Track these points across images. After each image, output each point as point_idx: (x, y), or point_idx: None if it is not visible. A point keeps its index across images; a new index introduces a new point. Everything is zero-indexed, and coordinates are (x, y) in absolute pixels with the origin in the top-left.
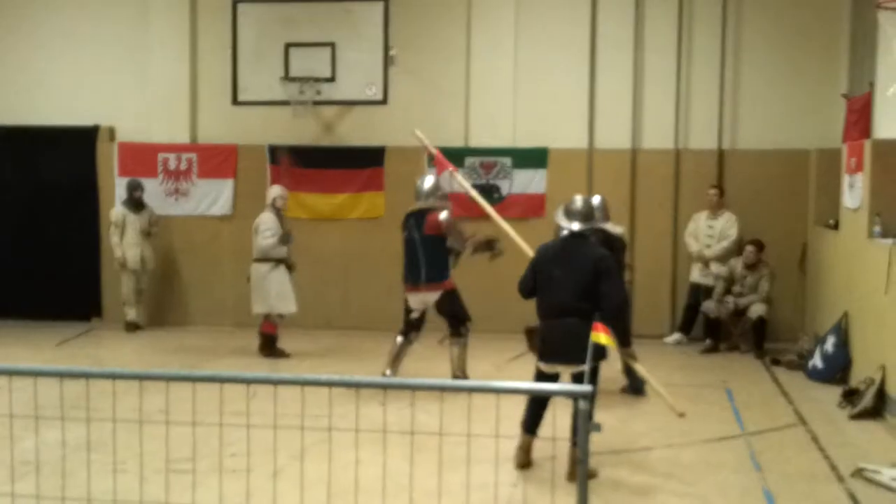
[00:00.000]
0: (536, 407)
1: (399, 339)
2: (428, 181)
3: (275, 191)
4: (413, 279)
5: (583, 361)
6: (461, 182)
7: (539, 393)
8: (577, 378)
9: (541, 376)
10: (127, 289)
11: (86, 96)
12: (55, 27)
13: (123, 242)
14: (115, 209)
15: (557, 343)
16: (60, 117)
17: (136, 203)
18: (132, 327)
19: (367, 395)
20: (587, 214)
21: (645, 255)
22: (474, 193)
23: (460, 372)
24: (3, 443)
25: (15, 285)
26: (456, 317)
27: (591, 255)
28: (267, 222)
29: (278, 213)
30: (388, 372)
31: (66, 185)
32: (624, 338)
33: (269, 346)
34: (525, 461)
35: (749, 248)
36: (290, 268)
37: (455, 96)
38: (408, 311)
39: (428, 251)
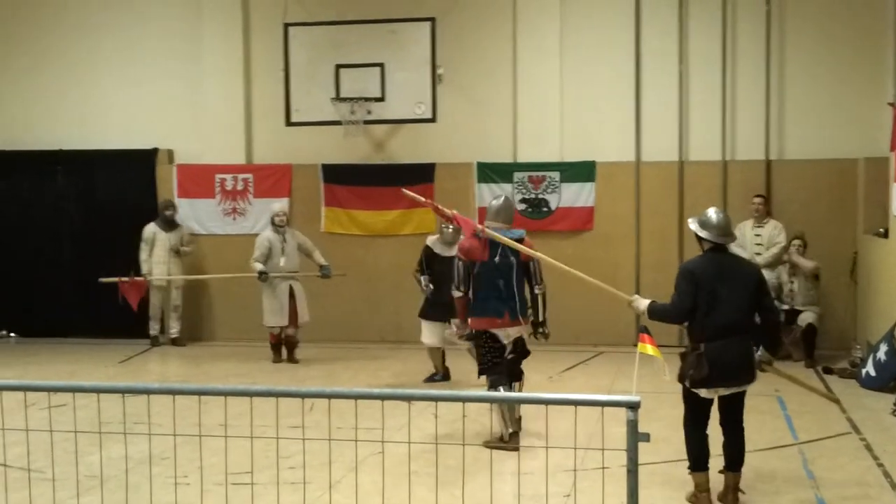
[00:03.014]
0: (702, 439)
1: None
2: (508, 198)
3: (273, 208)
4: (510, 310)
5: (751, 381)
6: (497, 237)
7: (587, 404)
8: (739, 398)
9: (696, 404)
10: (153, 305)
11: (145, 120)
12: (114, 54)
13: (151, 259)
14: (147, 227)
15: (733, 365)
16: (120, 141)
17: (167, 221)
18: (156, 341)
19: (420, 407)
20: (727, 227)
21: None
22: (514, 244)
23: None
24: (68, 458)
25: (78, 305)
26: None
27: (751, 270)
28: (257, 241)
29: (277, 229)
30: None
31: (127, 207)
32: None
33: (277, 354)
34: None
35: (797, 242)
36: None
37: (502, 112)
38: (491, 350)
39: (520, 279)
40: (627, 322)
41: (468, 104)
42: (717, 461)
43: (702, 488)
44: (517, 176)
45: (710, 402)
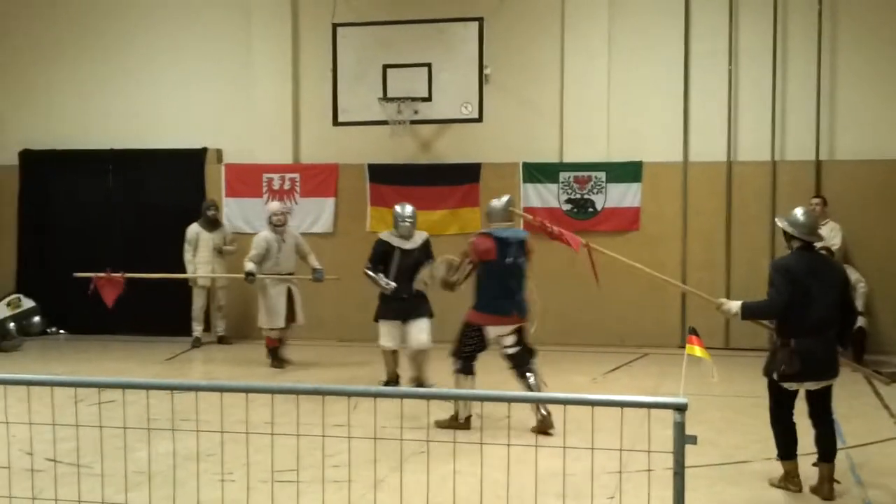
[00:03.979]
0: (790, 428)
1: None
2: (508, 198)
3: (270, 208)
4: (518, 310)
5: (837, 375)
6: (610, 254)
7: (634, 406)
8: (826, 393)
9: (783, 396)
10: (196, 305)
11: (194, 119)
12: (165, 55)
13: (196, 260)
14: (190, 227)
15: (823, 360)
16: (170, 140)
17: (210, 221)
18: (198, 342)
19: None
20: (815, 226)
21: (741, 269)
22: (617, 256)
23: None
24: (117, 454)
25: (126, 303)
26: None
27: (839, 269)
28: (254, 241)
29: (275, 230)
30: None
31: (176, 206)
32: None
33: (274, 357)
34: (801, 486)
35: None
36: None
37: (549, 112)
38: (475, 341)
39: (524, 278)
40: (672, 324)
41: (515, 104)
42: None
43: (793, 475)
44: (563, 176)
45: (796, 393)
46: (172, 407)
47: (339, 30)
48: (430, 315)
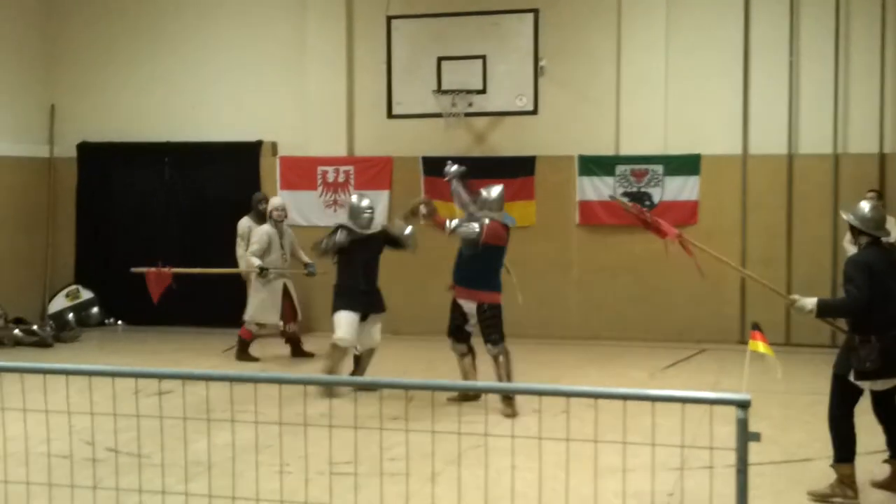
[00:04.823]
0: (852, 429)
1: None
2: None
3: (272, 203)
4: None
5: None
6: (710, 252)
7: (695, 402)
8: (894, 391)
9: (851, 395)
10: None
11: (249, 112)
12: (219, 48)
13: (248, 253)
14: (241, 221)
15: None
16: (225, 133)
17: (260, 215)
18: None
19: (521, 401)
20: (883, 221)
21: (803, 263)
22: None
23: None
24: (177, 444)
25: (183, 294)
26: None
27: None
28: (256, 234)
29: (276, 224)
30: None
31: (231, 199)
32: None
33: (243, 351)
34: (858, 493)
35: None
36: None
37: (605, 104)
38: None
39: None
40: (731, 318)
41: (570, 96)
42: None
43: (851, 479)
44: (619, 169)
45: (861, 393)
46: (231, 398)
47: (394, 22)
48: (384, 310)
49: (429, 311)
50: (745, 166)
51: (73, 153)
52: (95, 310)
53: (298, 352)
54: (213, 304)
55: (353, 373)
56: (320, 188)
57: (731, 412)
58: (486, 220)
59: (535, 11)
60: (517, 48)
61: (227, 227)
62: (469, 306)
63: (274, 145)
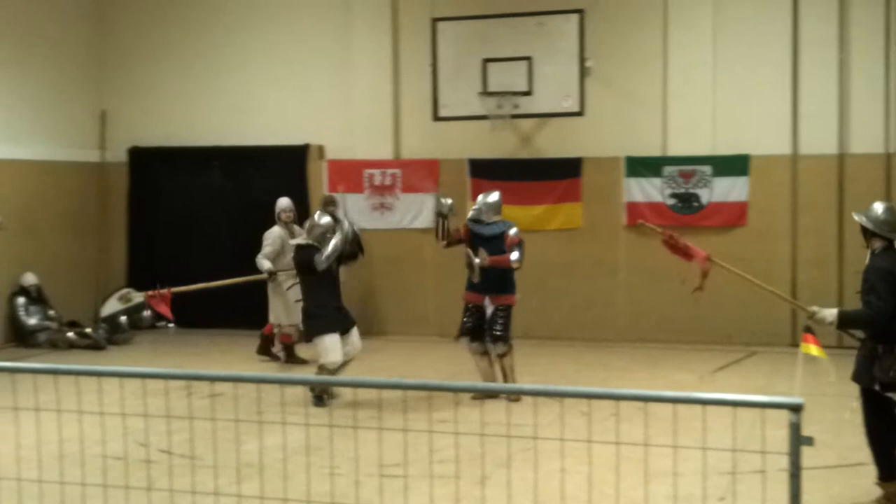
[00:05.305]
0: (893, 443)
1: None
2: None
3: (280, 204)
4: None
5: None
6: (724, 266)
7: (747, 405)
8: None
9: (880, 407)
10: None
11: (296, 116)
12: (267, 52)
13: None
14: (307, 222)
15: None
16: (272, 137)
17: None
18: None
19: (569, 403)
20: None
21: (855, 266)
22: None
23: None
24: (229, 446)
25: (233, 297)
26: None
27: None
28: (268, 237)
29: (286, 226)
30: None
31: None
32: None
33: (289, 355)
34: None
35: None
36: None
37: (652, 104)
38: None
39: None
40: (782, 321)
41: (617, 97)
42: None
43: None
44: (667, 170)
45: (895, 403)
46: (283, 400)
47: (439, 24)
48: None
49: None
50: (795, 166)
51: (124, 158)
52: (147, 313)
53: (292, 357)
54: (264, 308)
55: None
56: (367, 191)
57: (784, 416)
58: (516, 236)
59: (581, 12)
60: (563, 49)
61: None
62: (491, 309)
63: (321, 148)
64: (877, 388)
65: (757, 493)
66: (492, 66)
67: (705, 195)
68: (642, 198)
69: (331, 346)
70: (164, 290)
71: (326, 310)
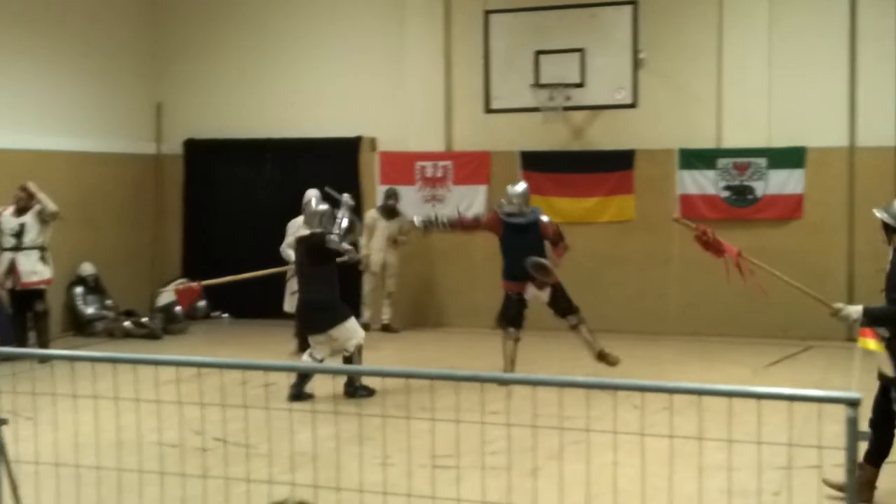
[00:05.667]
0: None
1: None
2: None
3: (306, 195)
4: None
5: None
6: (753, 262)
7: (803, 400)
8: None
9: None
10: (366, 290)
11: (349, 108)
12: (319, 44)
13: (370, 245)
14: (368, 213)
15: None
16: (325, 129)
17: (388, 210)
18: (366, 328)
19: (622, 396)
20: None
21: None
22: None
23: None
24: (283, 435)
25: (283, 289)
26: None
27: None
28: (292, 226)
29: None
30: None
31: None
32: None
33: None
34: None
35: None
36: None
37: (706, 96)
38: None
39: None
40: None
41: (670, 89)
42: None
43: (871, 483)
44: (721, 162)
45: None
46: (333, 390)
47: (491, 17)
48: None
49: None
50: (852, 158)
51: (180, 150)
52: (202, 303)
53: (306, 347)
54: None
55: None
56: (419, 183)
57: (840, 410)
58: (552, 223)
59: (634, 3)
60: (615, 40)
61: None
62: (534, 294)
63: (373, 141)
64: None
65: (812, 488)
66: (544, 58)
67: (760, 188)
68: (696, 190)
69: (355, 326)
70: (195, 284)
71: (338, 299)
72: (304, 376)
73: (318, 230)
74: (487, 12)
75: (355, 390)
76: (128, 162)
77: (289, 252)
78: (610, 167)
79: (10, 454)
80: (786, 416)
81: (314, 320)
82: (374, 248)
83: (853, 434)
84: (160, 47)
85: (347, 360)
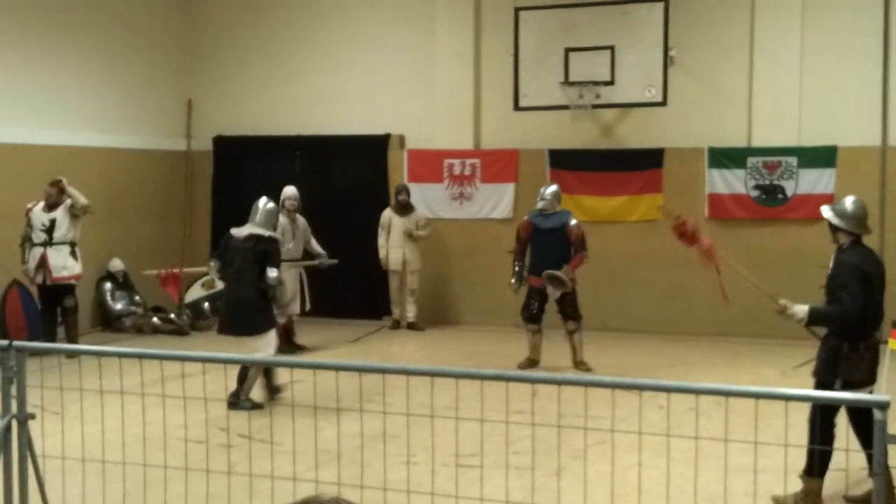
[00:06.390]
0: (832, 440)
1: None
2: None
3: (286, 192)
4: None
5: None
6: (745, 273)
7: (830, 402)
8: None
9: (832, 406)
10: (392, 288)
11: (377, 106)
12: (348, 42)
13: (388, 244)
14: (384, 212)
15: (876, 363)
16: (354, 127)
17: (400, 206)
18: (396, 325)
19: (647, 397)
20: (864, 217)
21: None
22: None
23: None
24: (307, 432)
25: (314, 285)
26: None
27: (883, 263)
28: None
29: (289, 214)
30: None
31: (360, 191)
32: None
33: (287, 342)
34: None
35: None
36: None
37: (736, 94)
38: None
39: None
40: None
41: (701, 87)
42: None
43: (818, 494)
44: (751, 161)
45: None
46: (360, 388)
47: (521, 13)
48: None
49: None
50: (884, 158)
51: (209, 146)
52: None
53: (290, 343)
54: (343, 295)
55: (269, 383)
56: (447, 181)
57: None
58: (579, 229)
59: (666, 0)
60: (646, 38)
61: (356, 218)
62: (553, 293)
63: (401, 138)
64: (837, 387)
65: (839, 491)
66: (574, 56)
67: (790, 187)
68: (725, 189)
69: (272, 339)
70: (176, 271)
71: (268, 304)
72: (243, 378)
73: (267, 235)
74: (517, 9)
75: (238, 402)
76: (158, 158)
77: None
78: (639, 166)
79: (37, 449)
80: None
81: (239, 321)
82: (392, 245)
83: (882, 437)
84: (191, 45)
85: (243, 370)
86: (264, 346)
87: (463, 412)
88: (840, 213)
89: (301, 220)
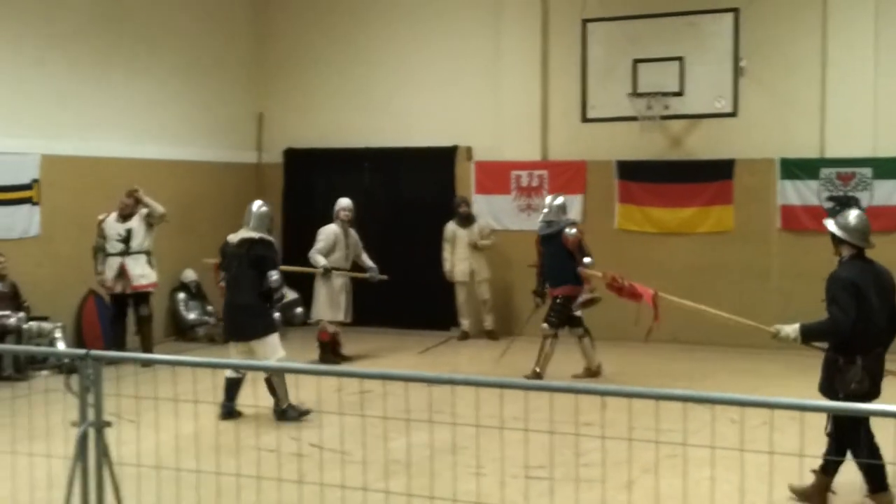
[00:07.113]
0: (878, 451)
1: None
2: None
3: (340, 203)
4: None
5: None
6: (672, 299)
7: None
8: None
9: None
10: (459, 300)
11: (445, 118)
12: (416, 54)
13: (454, 257)
14: (447, 225)
15: (880, 376)
16: (422, 139)
17: (462, 218)
18: (464, 336)
19: (719, 410)
20: (869, 231)
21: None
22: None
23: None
24: (377, 442)
25: (383, 296)
26: None
27: (891, 276)
28: (323, 232)
29: (342, 224)
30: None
31: (428, 203)
32: None
33: (325, 352)
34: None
35: None
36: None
37: (809, 105)
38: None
39: None
40: None
41: (771, 98)
42: None
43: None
44: (824, 172)
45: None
46: (430, 399)
47: (589, 25)
48: None
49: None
50: None
51: (280, 159)
52: (299, 310)
53: (336, 353)
54: (412, 306)
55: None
56: (514, 192)
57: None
58: (575, 237)
59: (736, 11)
60: (715, 48)
61: (425, 230)
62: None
63: (469, 150)
64: (841, 397)
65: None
66: (642, 67)
67: (865, 198)
68: (797, 200)
69: (277, 343)
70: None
71: (266, 308)
72: (231, 389)
73: (262, 239)
74: (585, 21)
75: (283, 412)
76: (230, 170)
77: (318, 258)
78: (708, 177)
79: (113, 456)
80: (894, 433)
81: (240, 325)
82: (459, 257)
83: None
84: (262, 59)
85: (268, 382)
86: (271, 352)
87: (532, 424)
88: (844, 226)
89: (353, 232)
